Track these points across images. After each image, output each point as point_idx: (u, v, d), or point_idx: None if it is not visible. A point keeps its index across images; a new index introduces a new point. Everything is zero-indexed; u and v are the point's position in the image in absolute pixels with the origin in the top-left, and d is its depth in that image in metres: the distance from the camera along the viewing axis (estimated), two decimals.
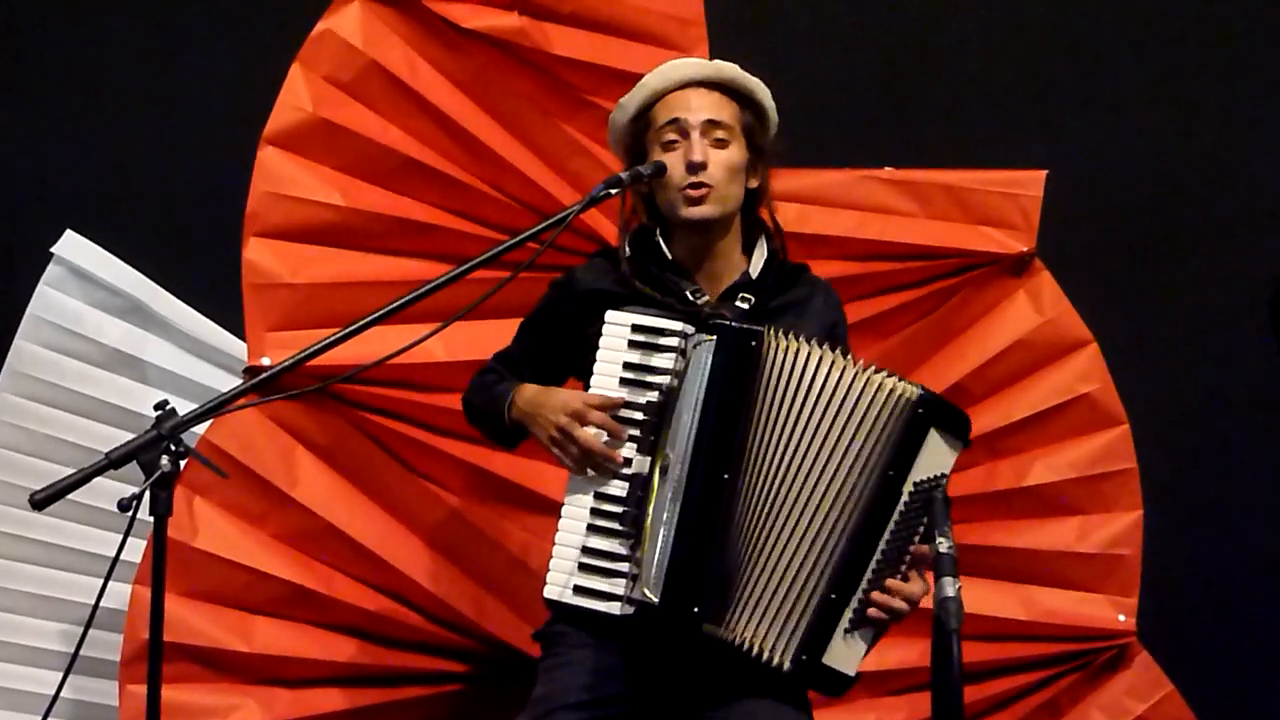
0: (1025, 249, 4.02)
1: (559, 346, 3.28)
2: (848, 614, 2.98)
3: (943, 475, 3.00)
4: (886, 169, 4.07)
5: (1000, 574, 4.00)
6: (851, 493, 2.98)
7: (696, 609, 2.94)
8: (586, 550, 3.04)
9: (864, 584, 2.98)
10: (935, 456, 2.99)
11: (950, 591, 2.68)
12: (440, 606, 3.81)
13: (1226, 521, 4.23)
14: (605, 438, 3.05)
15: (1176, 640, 4.09)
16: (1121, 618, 4.00)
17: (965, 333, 4.07)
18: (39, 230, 3.90)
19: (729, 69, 3.24)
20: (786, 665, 2.97)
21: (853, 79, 4.24)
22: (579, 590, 3.03)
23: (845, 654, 3.00)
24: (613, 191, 3.12)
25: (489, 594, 3.84)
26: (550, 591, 3.06)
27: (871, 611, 2.99)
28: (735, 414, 2.96)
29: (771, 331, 2.99)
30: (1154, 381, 4.18)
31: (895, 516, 2.98)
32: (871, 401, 2.98)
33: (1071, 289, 4.04)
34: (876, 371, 2.99)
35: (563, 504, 3.08)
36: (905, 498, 2.97)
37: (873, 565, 2.98)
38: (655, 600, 2.94)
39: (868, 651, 3.04)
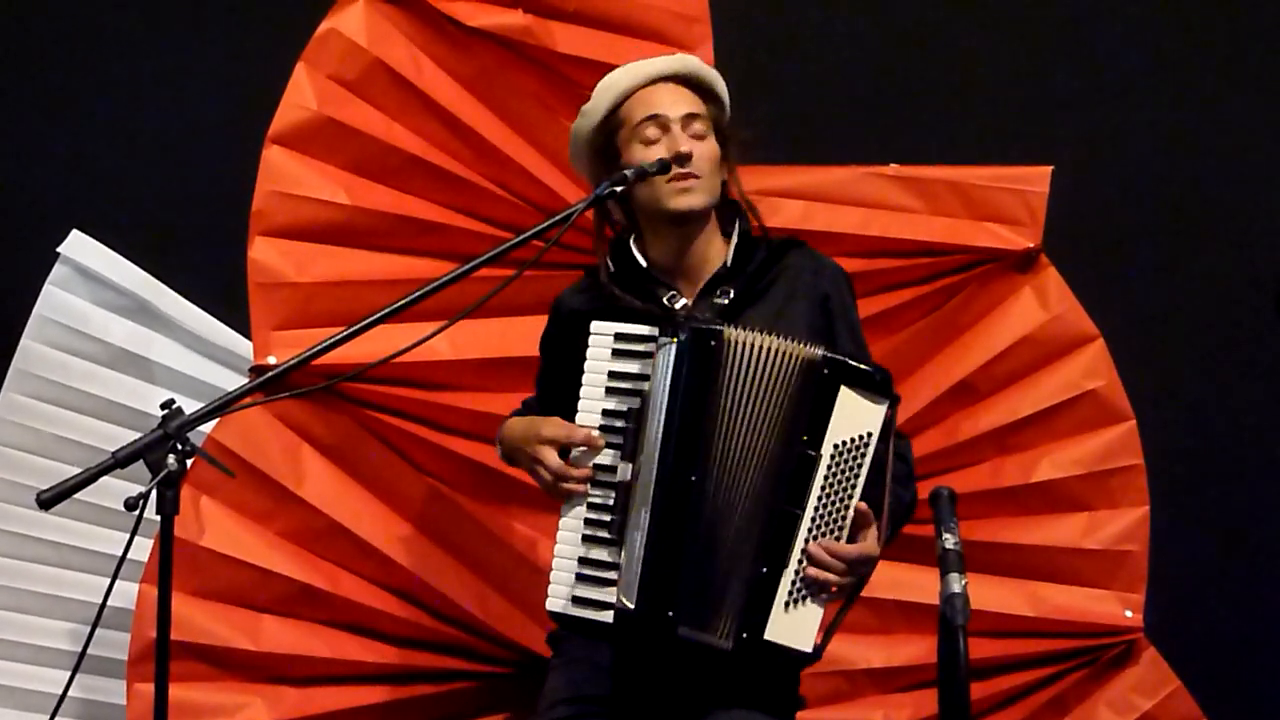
0: (1031, 245, 4.01)
1: (561, 369, 3.27)
2: (785, 585, 2.96)
3: (869, 434, 2.98)
4: (891, 165, 4.07)
5: (1007, 570, 3.99)
6: (771, 464, 2.97)
7: (671, 613, 2.95)
8: (583, 561, 3.04)
9: (797, 553, 2.97)
10: (855, 416, 2.97)
11: (956, 588, 2.68)
12: (446, 604, 3.81)
13: (1233, 517, 4.23)
14: (581, 453, 3.05)
15: (1184, 636, 4.08)
16: (1128, 614, 3.99)
17: (971, 329, 4.06)
18: (45, 230, 3.90)
19: (694, 62, 3.27)
20: (728, 645, 2.96)
21: (857, 75, 4.24)
22: (577, 601, 3.03)
23: (791, 627, 2.97)
24: (617, 189, 3.12)
25: (495, 591, 3.85)
26: (552, 604, 3.06)
27: (811, 571, 2.96)
28: (699, 415, 2.96)
29: (731, 329, 2.98)
30: (1160, 377, 4.18)
31: (820, 481, 2.96)
32: (783, 371, 2.98)
33: (1078, 285, 4.04)
34: (787, 341, 2.98)
35: (560, 514, 3.09)
36: (827, 460, 2.96)
37: (803, 534, 2.96)
38: (631, 607, 2.96)
39: (834, 623, 3.01)
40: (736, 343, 2.97)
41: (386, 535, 3.80)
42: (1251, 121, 4.29)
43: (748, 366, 2.98)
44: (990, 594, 3.92)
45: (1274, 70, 4.29)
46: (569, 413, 3.21)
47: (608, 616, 3.00)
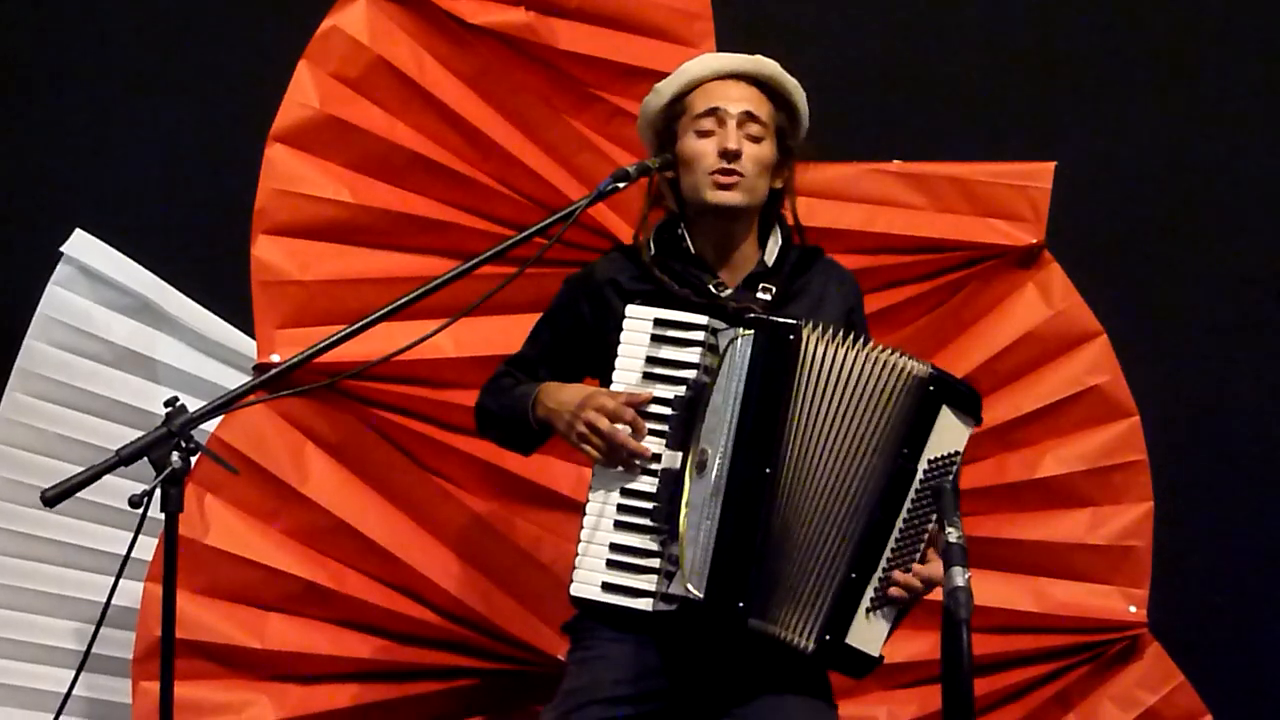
0: (1034, 241, 4.01)
1: (577, 344, 3.27)
2: (869, 592, 2.99)
3: (957, 453, 3.02)
4: (895, 162, 4.07)
5: (1011, 566, 4.00)
6: (869, 473, 2.99)
7: (741, 604, 2.94)
8: (615, 547, 3.03)
9: (884, 563, 3.00)
10: (948, 434, 3.01)
11: (960, 582, 2.68)
12: (451, 602, 3.81)
13: (1237, 512, 4.23)
14: (630, 432, 3.04)
15: (1187, 631, 4.09)
16: (1132, 609, 4.00)
17: (975, 325, 4.07)
18: (48, 229, 3.90)
19: (770, 65, 3.25)
20: (810, 646, 2.97)
21: (860, 72, 4.24)
22: (608, 587, 3.02)
23: (868, 633, 3.01)
24: (620, 185, 3.12)
25: (500, 589, 3.85)
26: (578, 589, 3.05)
27: (893, 590, 3.00)
28: (775, 408, 2.97)
29: (808, 325, 2.99)
30: (1164, 373, 4.18)
31: (911, 494, 3.00)
32: (886, 382, 3.00)
33: (1081, 281, 4.04)
34: (890, 352, 3.01)
35: (586, 500, 3.08)
36: (920, 475, 2.99)
37: (891, 544, 3.00)
38: (700, 595, 2.94)
39: (890, 632, 3.04)
40: (812, 340, 2.99)
41: (391, 533, 3.80)
42: (1254, 117, 4.29)
43: (826, 366, 2.99)
44: (994, 589, 3.92)
45: (1277, 66, 4.29)
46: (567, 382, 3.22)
47: (645, 604, 2.99)
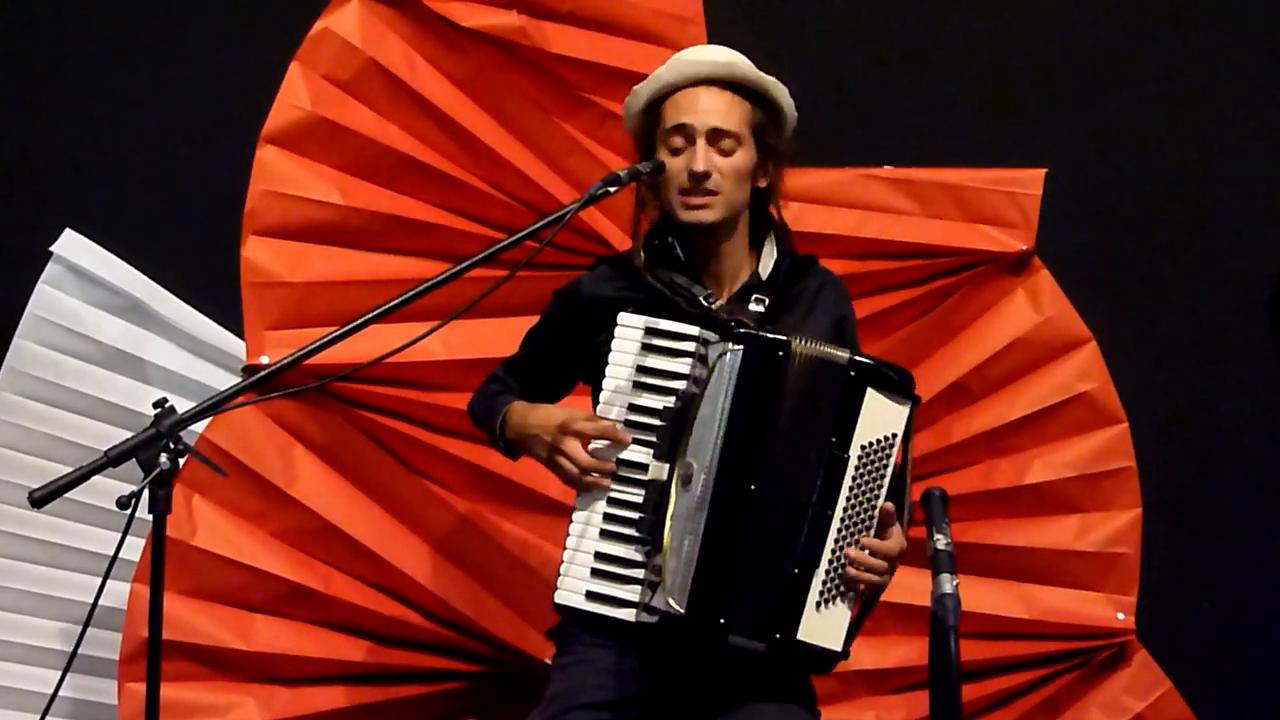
0: (1024, 247, 4.02)
1: (564, 356, 3.28)
2: (816, 585, 2.97)
3: (894, 435, 3.01)
4: (885, 167, 4.08)
5: (999, 572, 4.00)
6: (805, 468, 2.98)
7: (723, 620, 2.94)
8: (600, 556, 3.02)
9: (829, 554, 2.98)
10: (880, 417, 3.00)
11: (948, 588, 2.68)
12: (439, 604, 3.81)
13: (1225, 520, 4.24)
14: (603, 446, 3.04)
15: (1175, 638, 4.09)
16: (1120, 616, 4.00)
17: (964, 331, 4.07)
18: (38, 229, 3.90)
19: (742, 68, 3.20)
20: (760, 647, 2.96)
21: (852, 77, 4.24)
22: (592, 596, 3.01)
23: (822, 627, 2.99)
24: (611, 189, 3.10)
25: (488, 592, 3.85)
26: (562, 597, 3.03)
27: (850, 570, 2.98)
28: (761, 425, 2.96)
29: (797, 340, 2.99)
30: (1153, 380, 4.19)
31: (848, 482, 2.98)
32: (818, 377, 2.99)
33: (1070, 288, 4.05)
34: (822, 347, 3.00)
35: (573, 508, 3.07)
36: (855, 461, 2.98)
37: (834, 534, 2.98)
38: (681, 611, 2.94)
39: (857, 623, 3.02)
40: (797, 353, 2.98)
41: (379, 535, 3.80)
42: (1244, 124, 4.29)
43: (799, 375, 2.98)
44: (982, 596, 3.93)
45: (1265, 73, 4.30)
46: (553, 399, 3.25)
47: (628, 614, 2.99)
